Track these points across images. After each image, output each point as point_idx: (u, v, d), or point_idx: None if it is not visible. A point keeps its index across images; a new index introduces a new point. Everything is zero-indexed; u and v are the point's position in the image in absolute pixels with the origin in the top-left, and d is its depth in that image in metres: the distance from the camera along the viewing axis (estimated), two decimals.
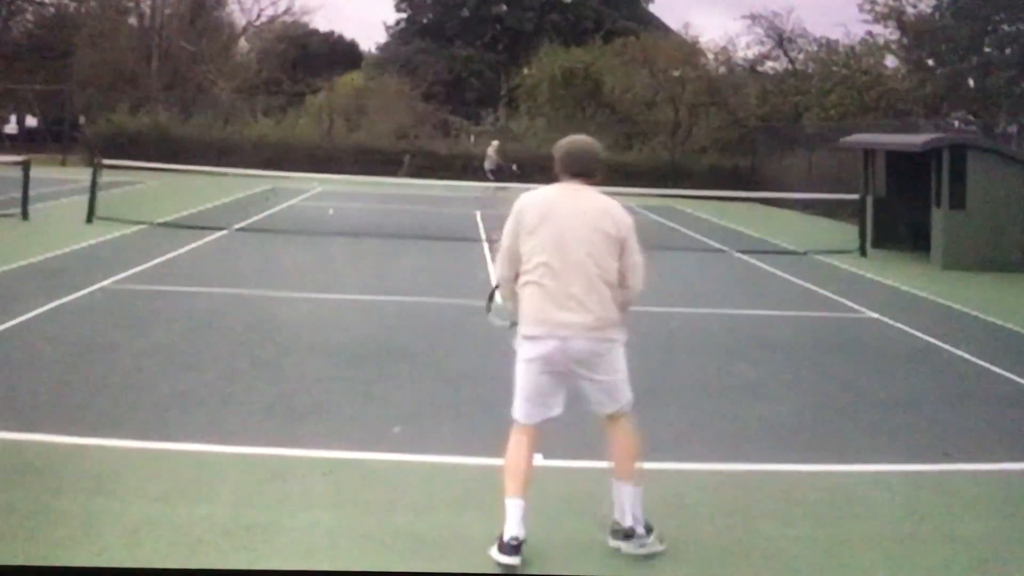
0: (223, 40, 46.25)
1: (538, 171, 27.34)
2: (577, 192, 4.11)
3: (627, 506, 4.07)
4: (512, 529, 3.92)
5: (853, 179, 19.47)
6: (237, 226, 16.24)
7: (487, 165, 27.44)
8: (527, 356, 4.08)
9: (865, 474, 5.35)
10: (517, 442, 4.15)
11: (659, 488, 4.97)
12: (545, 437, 5.66)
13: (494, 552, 3.92)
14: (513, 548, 3.89)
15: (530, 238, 4.05)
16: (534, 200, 4.15)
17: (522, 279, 4.10)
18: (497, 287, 4.39)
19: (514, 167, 27.14)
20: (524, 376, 4.11)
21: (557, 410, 4.14)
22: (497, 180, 25.60)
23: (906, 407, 6.81)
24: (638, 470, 4.11)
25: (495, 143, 28.75)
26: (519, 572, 3.89)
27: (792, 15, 36.53)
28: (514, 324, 4.18)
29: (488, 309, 4.46)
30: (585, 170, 4.15)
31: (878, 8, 29.25)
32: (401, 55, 44.31)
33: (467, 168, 29.20)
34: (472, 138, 31.10)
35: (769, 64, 36.17)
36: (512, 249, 4.13)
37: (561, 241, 3.99)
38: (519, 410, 4.16)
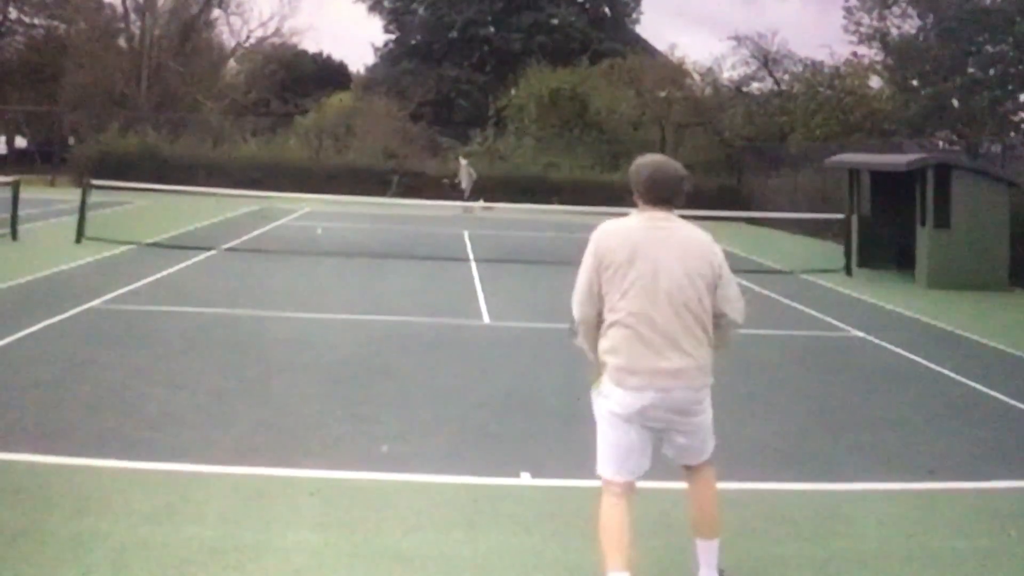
0: (212, 61, 46.46)
1: (520, 192, 27.86)
2: (666, 223, 3.74)
3: (705, 563, 3.81)
4: None
5: (838, 199, 19.61)
6: (225, 246, 16.24)
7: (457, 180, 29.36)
8: (621, 409, 3.64)
9: (851, 492, 5.38)
10: (613, 505, 3.67)
11: (646, 507, 5.00)
12: (534, 455, 5.71)
13: None
14: None
15: (617, 277, 3.65)
16: (617, 234, 3.74)
17: (609, 321, 3.68)
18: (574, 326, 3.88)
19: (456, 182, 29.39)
20: (615, 428, 3.68)
21: (648, 463, 3.75)
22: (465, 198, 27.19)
23: (891, 425, 6.86)
24: (719, 523, 3.89)
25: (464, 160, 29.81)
26: None
27: (777, 36, 36.69)
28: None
29: (572, 333, 3.92)
30: (673, 196, 3.79)
31: (863, 29, 29.51)
32: (389, 76, 44.42)
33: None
34: (460, 158, 31.33)
35: (755, 85, 36.44)
36: (592, 288, 3.71)
37: (655, 280, 3.62)
38: (610, 466, 3.71)
